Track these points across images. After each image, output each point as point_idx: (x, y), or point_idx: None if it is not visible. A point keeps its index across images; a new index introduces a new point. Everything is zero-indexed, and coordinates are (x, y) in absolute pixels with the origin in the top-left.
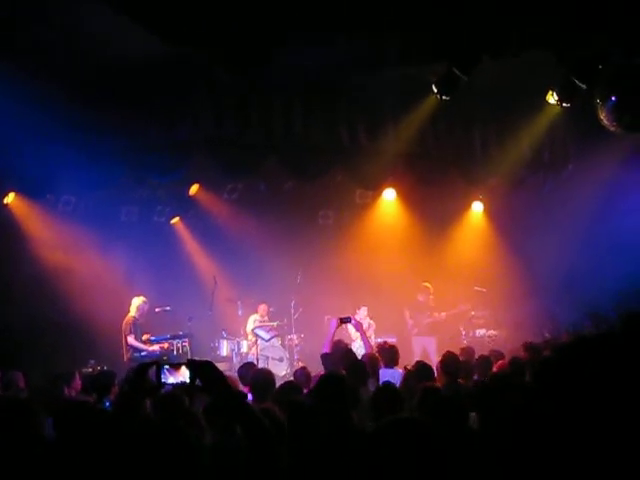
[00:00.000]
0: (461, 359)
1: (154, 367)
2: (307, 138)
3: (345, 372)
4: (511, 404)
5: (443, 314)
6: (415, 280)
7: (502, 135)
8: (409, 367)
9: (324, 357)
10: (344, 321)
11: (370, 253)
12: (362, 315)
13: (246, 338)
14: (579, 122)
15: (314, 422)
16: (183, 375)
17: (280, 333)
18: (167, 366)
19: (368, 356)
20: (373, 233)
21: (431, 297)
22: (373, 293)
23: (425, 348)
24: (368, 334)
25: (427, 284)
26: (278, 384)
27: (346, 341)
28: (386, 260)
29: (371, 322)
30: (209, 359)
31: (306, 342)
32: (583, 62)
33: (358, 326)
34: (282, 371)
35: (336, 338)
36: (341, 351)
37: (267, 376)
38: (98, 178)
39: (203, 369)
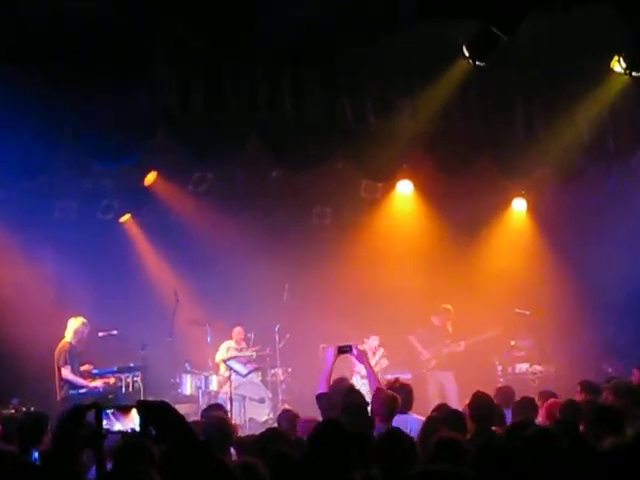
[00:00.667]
0: (496, 402)
1: (95, 410)
2: (299, 115)
3: (347, 418)
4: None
5: (462, 343)
6: (435, 299)
7: (551, 113)
8: (432, 412)
9: (320, 399)
10: (343, 350)
11: (378, 263)
12: (371, 346)
13: (216, 372)
14: None
15: None
16: (132, 420)
17: (261, 366)
18: (111, 409)
19: (383, 396)
20: (382, 237)
21: (449, 322)
22: (382, 315)
23: (443, 386)
24: (377, 371)
25: (448, 306)
26: (260, 431)
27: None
28: (399, 273)
29: (382, 356)
30: (167, 399)
31: (295, 378)
32: None
33: (361, 357)
34: (263, 416)
35: (336, 374)
36: (343, 390)
37: (221, 426)
38: (25, 164)
39: (158, 413)
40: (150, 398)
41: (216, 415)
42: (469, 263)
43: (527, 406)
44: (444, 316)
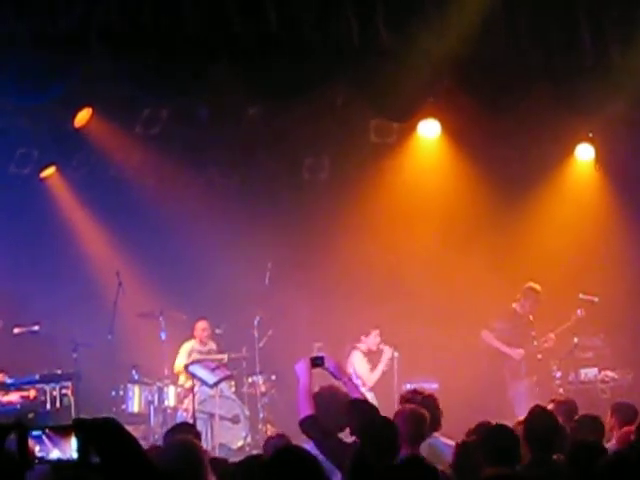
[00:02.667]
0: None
1: (17, 432)
2: (284, 30)
3: (370, 443)
4: None
5: (552, 336)
6: (468, 282)
7: (629, 29)
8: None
9: (307, 425)
10: (316, 363)
11: (392, 234)
12: (371, 343)
13: (174, 382)
14: None
15: None
16: (68, 445)
17: (234, 373)
18: (44, 431)
19: (408, 412)
20: (398, 199)
21: (534, 309)
22: (396, 305)
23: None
24: (386, 372)
25: (535, 285)
26: (235, 459)
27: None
28: (420, 247)
29: (387, 351)
30: (112, 416)
31: (281, 389)
32: None
33: (337, 372)
34: (238, 440)
35: (318, 385)
36: (342, 404)
37: (190, 454)
38: None
39: (101, 435)
40: (85, 416)
41: (183, 440)
42: (516, 234)
43: (590, 426)
44: (530, 299)
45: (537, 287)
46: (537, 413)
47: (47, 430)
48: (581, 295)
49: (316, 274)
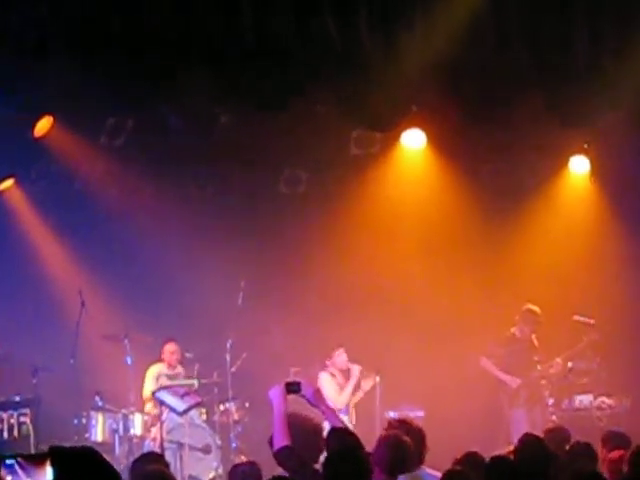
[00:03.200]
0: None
1: None
2: (259, 32)
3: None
4: None
5: (558, 361)
6: (460, 301)
7: (627, 31)
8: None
9: (283, 456)
10: (291, 389)
11: (375, 250)
12: (338, 363)
13: (140, 409)
14: None
15: None
16: (43, 475)
17: (205, 400)
18: (14, 460)
19: (389, 440)
20: (381, 213)
21: (534, 333)
22: (382, 323)
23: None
24: (357, 395)
25: (534, 307)
26: None
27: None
28: (404, 264)
29: (355, 369)
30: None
31: (255, 417)
32: None
33: (315, 399)
34: (209, 472)
35: (293, 413)
36: (306, 436)
37: None
38: None
39: (81, 465)
40: (43, 447)
41: (153, 470)
42: (507, 249)
43: (583, 454)
44: (529, 322)
45: (536, 309)
46: (527, 442)
47: (20, 459)
48: (576, 317)
49: (293, 293)
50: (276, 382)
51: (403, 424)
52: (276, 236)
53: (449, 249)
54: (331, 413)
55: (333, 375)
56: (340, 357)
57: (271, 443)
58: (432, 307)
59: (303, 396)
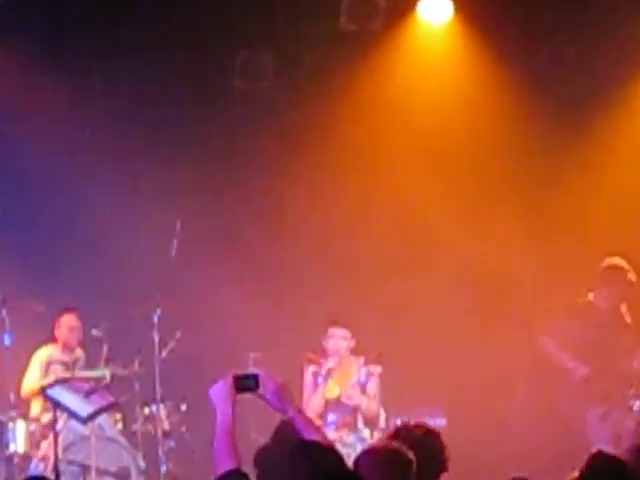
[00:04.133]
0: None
1: None
2: None
3: None
4: None
5: None
6: (500, 257)
7: None
8: None
9: None
10: (243, 386)
11: (371, 178)
12: (340, 346)
13: (25, 414)
14: None
15: None
16: None
17: (122, 400)
18: None
19: (381, 453)
20: (383, 120)
21: (623, 301)
22: (384, 290)
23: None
24: (370, 392)
25: (619, 261)
26: None
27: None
28: (418, 200)
29: (367, 374)
30: None
31: (195, 426)
32: None
33: (280, 400)
34: None
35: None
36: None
37: None
38: None
39: None
40: None
41: None
42: (570, 180)
43: None
44: (615, 285)
45: (623, 264)
46: (599, 464)
47: None
48: None
49: (251, 243)
50: (223, 375)
51: (414, 429)
52: (227, 156)
53: (484, 176)
54: (303, 420)
55: (319, 367)
56: (337, 341)
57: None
58: (459, 264)
59: (262, 396)
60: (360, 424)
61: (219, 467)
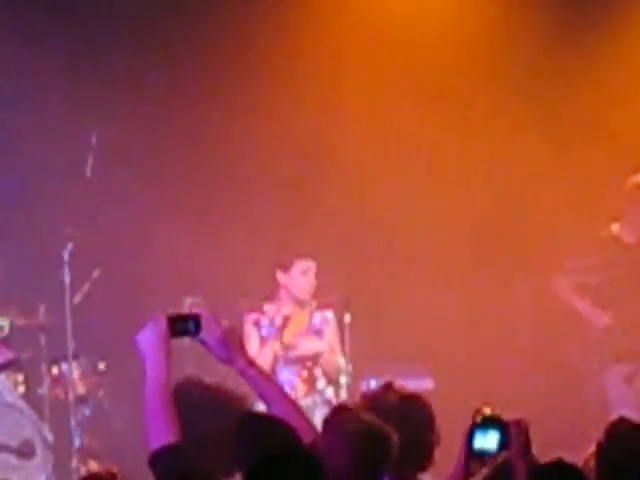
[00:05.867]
0: None
1: None
2: None
3: None
4: None
5: None
6: (505, 181)
7: None
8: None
9: (160, 463)
10: (180, 330)
11: (342, 92)
12: (312, 283)
13: None
14: None
15: None
16: None
17: (24, 358)
18: None
19: (353, 428)
20: (359, 25)
21: None
22: (352, 225)
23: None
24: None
25: None
26: None
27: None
28: (400, 120)
29: (320, 312)
30: None
31: (117, 390)
32: None
33: (227, 346)
34: None
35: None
36: (216, 423)
37: None
38: None
39: None
40: None
41: None
42: (587, 89)
43: None
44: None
45: None
46: (622, 436)
47: None
48: None
49: (187, 163)
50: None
51: (387, 400)
52: (157, 59)
53: (486, 83)
54: (259, 375)
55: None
56: (302, 276)
57: (153, 457)
58: (448, 180)
59: (203, 342)
60: (321, 382)
61: (152, 440)
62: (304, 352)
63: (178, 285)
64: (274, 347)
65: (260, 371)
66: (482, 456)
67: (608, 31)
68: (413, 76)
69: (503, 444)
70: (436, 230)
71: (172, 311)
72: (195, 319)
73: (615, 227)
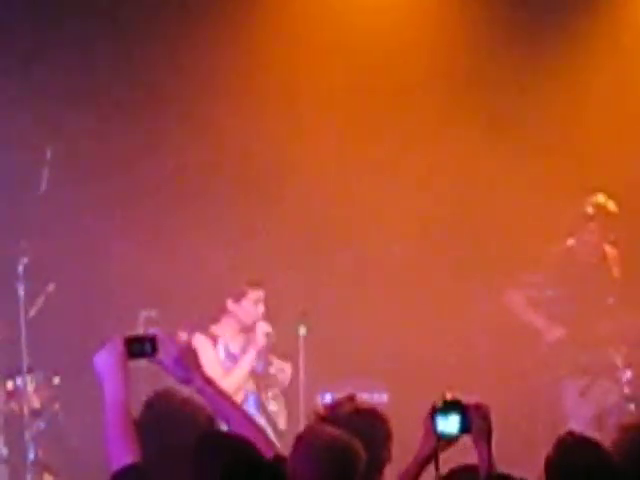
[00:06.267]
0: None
1: None
2: None
3: None
4: None
5: None
6: (461, 194)
7: None
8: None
9: None
10: (137, 351)
11: (301, 90)
12: (245, 315)
13: None
14: None
15: None
16: None
17: None
18: None
19: (318, 442)
20: (315, 19)
21: (610, 249)
22: (308, 233)
23: (601, 416)
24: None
25: (604, 199)
26: None
27: None
28: (357, 119)
29: (262, 327)
30: None
31: (72, 405)
32: None
33: (184, 367)
34: None
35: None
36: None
37: None
38: None
39: None
40: None
41: None
42: (544, 99)
43: None
44: (600, 229)
45: (610, 205)
46: (569, 450)
47: None
48: None
49: (144, 175)
50: (111, 337)
51: (343, 413)
52: (107, 66)
53: (440, 95)
54: (217, 394)
55: (216, 339)
56: (254, 305)
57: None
58: (405, 202)
59: (160, 363)
60: (272, 404)
61: (113, 460)
62: (276, 373)
63: (133, 299)
64: (243, 372)
65: (218, 389)
66: (444, 439)
67: (566, 45)
68: (367, 88)
69: (464, 427)
70: (393, 245)
71: (129, 332)
72: (151, 340)
73: (570, 242)
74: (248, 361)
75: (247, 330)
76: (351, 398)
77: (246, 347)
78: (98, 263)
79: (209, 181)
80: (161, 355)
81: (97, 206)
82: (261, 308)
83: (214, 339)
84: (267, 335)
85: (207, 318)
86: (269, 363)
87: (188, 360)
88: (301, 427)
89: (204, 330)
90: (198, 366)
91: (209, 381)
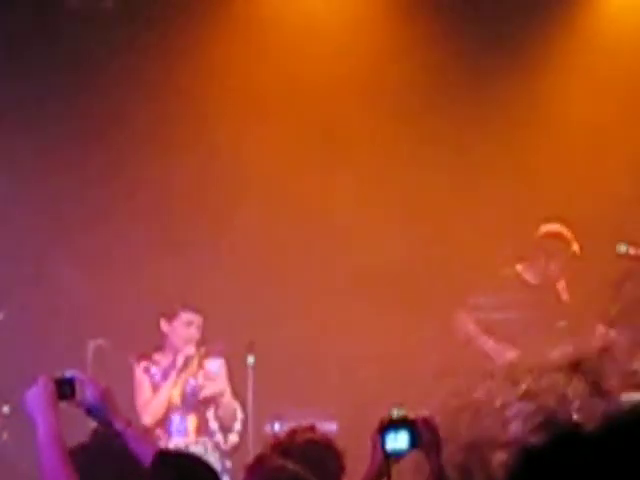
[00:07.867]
0: None
1: None
2: None
3: None
4: None
5: (601, 329)
6: (414, 217)
7: None
8: None
9: None
10: (63, 393)
11: (250, 114)
12: (179, 337)
13: None
14: None
15: None
16: None
17: None
18: None
19: (267, 469)
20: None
21: (561, 278)
22: (260, 259)
23: None
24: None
25: (558, 227)
26: None
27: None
28: (313, 143)
29: (189, 350)
30: None
31: (21, 434)
32: None
33: (105, 409)
34: None
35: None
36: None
37: None
38: None
39: None
40: None
41: None
42: (501, 114)
43: None
44: (556, 255)
45: (564, 231)
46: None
47: None
48: (621, 247)
49: (95, 197)
50: (50, 370)
51: (293, 443)
52: (62, 86)
53: (398, 112)
54: (137, 436)
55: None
56: (184, 328)
57: None
58: (359, 224)
59: (81, 405)
60: (213, 427)
61: None
62: (203, 395)
63: (83, 327)
64: (167, 393)
65: (138, 432)
66: (394, 456)
67: (520, 71)
68: (312, 110)
69: (413, 442)
70: (339, 270)
71: (78, 361)
72: (70, 383)
73: (519, 267)
74: (168, 386)
75: (176, 352)
76: (311, 428)
77: (169, 370)
78: (45, 292)
79: (160, 206)
80: (80, 397)
81: (42, 237)
82: (195, 333)
83: (155, 363)
84: (187, 358)
85: (153, 344)
86: (201, 387)
87: (109, 403)
88: (250, 456)
89: (148, 356)
90: (117, 409)
91: (129, 423)
